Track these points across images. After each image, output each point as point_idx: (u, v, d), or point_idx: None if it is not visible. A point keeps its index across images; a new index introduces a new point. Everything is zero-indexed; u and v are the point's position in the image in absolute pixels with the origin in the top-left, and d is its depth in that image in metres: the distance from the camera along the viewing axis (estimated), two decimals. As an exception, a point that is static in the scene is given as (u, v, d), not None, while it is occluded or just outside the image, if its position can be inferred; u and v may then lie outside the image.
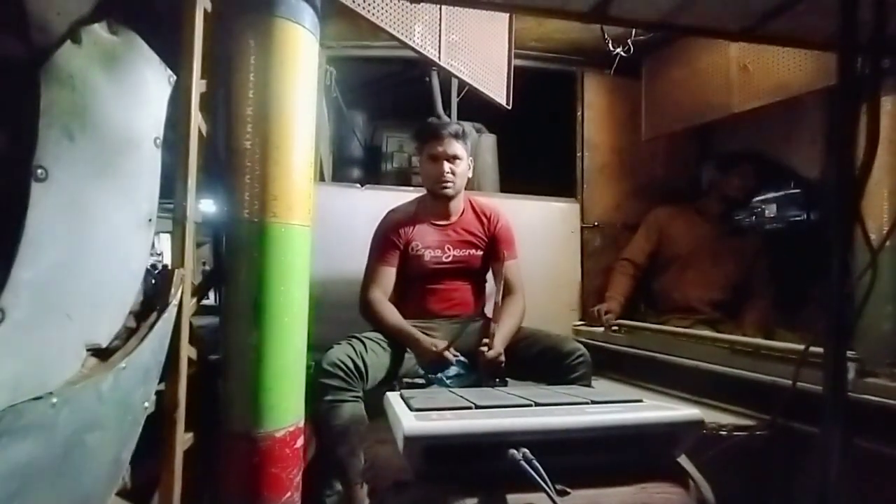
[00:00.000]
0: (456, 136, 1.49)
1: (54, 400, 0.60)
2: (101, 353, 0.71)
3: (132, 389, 0.75)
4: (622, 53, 1.92)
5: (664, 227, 1.97)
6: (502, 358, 1.32)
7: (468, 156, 1.54)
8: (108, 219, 0.73)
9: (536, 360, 1.36)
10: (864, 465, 0.88)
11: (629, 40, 1.88)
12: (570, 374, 1.29)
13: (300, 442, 0.97)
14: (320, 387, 1.19)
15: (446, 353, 1.32)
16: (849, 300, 0.81)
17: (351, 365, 1.22)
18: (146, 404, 0.80)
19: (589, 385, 1.30)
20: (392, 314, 1.43)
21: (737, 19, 1.11)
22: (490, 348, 1.30)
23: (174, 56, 0.86)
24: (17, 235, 0.58)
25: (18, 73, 0.62)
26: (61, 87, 0.65)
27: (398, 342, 1.38)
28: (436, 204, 1.54)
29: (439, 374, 1.31)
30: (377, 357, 1.30)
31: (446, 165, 1.47)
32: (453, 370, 1.32)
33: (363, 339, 1.31)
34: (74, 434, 0.63)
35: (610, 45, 1.89)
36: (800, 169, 1.96)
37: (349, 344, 1.27)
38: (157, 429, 0.83)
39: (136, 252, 0.79)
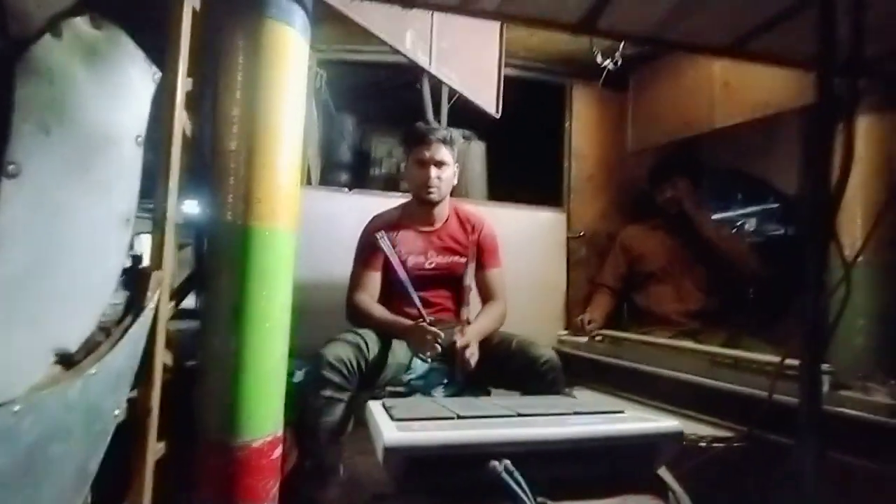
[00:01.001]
0: (443, 141, 1.50)
1: (17, 407, 0.57)
2: (70, 359, 0.68)
3: (102, 396, 0.72)
4: (610, 66, 1.95)
5: (633, 247, 2.00)
6: (475, 348, 1.29)
7: (454, 162, 1.54)
8: (83, 218, 0.70)
9: (506, 365, 1.34)
10: (837, 476, 0.89)
11: (617, 53, 1.91)
12: (539, 381, 1.27)
13: (278, 452, 0.94)
14: (320, 379, 1.18)
15: (425, 325, 1.29)
16: (823, 314, 0.83)
17: (354, 364, 1.21)
18: (116, 412, 0.77)
19: (560, 391, 1.29)
20: (380, 310, 1.42)
21: (721, 36, 1.14)
22: (462, 335, 1.28)
23: (160, 53, 0.85)
24: (-16, 234, 0.56)
25: (-8, 65, 0.60)
26: (38, 81, 0.63)
27: (389, 336, 1.36)
28: (420, 209, 1.53)
29: (421, 381, 1.29)
30: (375, 356, 1.29)
31: (433, 171, 1.47)
32: (438, 379, 1.30)
33: (363, 335, 1.29)
34: (38, 443, 0.60)
35: (599, 57, 1.92)
36: (778, 184, 2.01)
37: (353, 341, 1.26)
38: (127, 438, 0.80)
39: (112, 253, 0.77)
